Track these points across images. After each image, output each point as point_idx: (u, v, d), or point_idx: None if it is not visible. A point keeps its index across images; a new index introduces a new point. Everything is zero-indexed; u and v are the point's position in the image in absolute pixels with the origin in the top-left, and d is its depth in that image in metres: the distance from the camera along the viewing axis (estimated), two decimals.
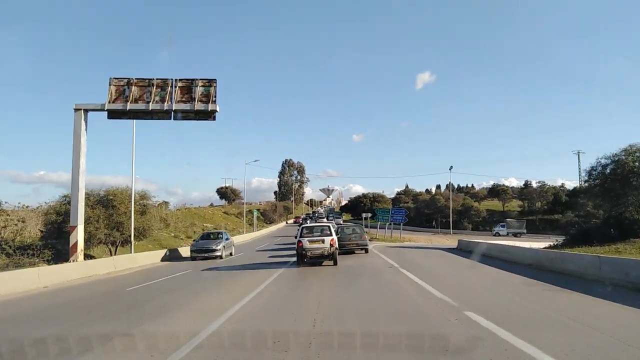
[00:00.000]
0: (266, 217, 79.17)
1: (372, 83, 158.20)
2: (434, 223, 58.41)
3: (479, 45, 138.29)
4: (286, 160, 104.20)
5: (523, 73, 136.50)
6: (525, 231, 54.99)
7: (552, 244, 25.11)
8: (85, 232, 19.56)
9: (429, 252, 21.03)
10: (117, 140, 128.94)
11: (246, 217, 66.11)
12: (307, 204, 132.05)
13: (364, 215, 43.89)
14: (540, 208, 66.45)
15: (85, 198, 21.02)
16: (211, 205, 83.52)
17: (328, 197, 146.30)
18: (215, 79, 17.49)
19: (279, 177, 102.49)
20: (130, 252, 20.49)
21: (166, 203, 62.19)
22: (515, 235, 54.24)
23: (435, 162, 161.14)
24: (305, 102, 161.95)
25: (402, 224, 32.36)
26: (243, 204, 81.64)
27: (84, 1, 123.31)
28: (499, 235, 52.97)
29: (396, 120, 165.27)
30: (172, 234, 40.27)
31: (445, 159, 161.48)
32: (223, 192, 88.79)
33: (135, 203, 22.88)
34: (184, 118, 17.50)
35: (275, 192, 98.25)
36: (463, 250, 20.44)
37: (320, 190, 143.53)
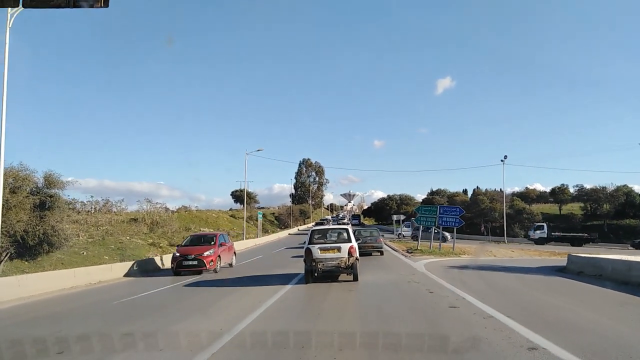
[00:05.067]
0: (281, 221, 71.05)
1: (392, 88, 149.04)
2: (482, 229, 47.43)
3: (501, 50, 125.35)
4: (303, 159, 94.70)
5: (544, 78, 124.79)
6: None
7: None
8: None
9: (546, 282, 11.14)
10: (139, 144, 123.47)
11: (255, 220, 57.53)
12: (327, 209, 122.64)
13: (394, 217, 33.83)
14: (609, 212, 54.76)
15: None
16: (230, 209, 76.02)
17: (349, 202, 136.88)
18: None
19: (295, 178, 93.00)
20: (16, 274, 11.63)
21: (185, 207, 55.09)
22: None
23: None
24: (324, 108, 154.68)
25: (455, 228, 22.25)
26: (256, 207, 73.35)
27: None
28: (403, 236, 43.85)
29: (416, 125, 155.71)
30: (150, 241, 31.76)
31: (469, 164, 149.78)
32: (238, 196, 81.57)
33: (35, 194, 14.24)
34: (44, 4, 8.51)
35: (291, 195, 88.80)
36: (606, 279, 10.51)
37: (341, 195, 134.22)
